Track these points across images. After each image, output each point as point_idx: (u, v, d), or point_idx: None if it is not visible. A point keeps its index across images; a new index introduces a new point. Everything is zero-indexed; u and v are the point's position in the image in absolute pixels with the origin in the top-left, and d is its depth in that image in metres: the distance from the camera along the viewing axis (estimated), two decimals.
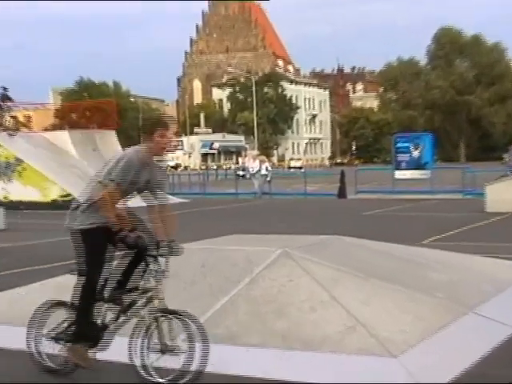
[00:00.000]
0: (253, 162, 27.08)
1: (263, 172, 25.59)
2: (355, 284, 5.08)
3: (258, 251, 5.48)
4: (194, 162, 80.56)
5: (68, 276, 4.67)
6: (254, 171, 26.19)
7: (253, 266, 5.19)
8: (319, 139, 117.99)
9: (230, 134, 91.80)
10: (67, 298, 4.46)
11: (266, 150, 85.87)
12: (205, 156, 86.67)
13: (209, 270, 5.29)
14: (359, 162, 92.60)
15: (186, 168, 70.80)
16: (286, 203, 21.96)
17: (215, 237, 6.72)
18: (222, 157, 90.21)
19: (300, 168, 69.96)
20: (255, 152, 54.21)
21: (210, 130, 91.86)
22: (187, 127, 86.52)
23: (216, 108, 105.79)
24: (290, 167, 71.35)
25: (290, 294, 4.89)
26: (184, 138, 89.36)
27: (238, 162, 62.77)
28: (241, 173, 36.02)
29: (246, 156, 42.02)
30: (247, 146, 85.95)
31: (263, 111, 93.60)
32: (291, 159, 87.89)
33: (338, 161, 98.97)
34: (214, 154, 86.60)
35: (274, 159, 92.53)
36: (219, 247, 5.80)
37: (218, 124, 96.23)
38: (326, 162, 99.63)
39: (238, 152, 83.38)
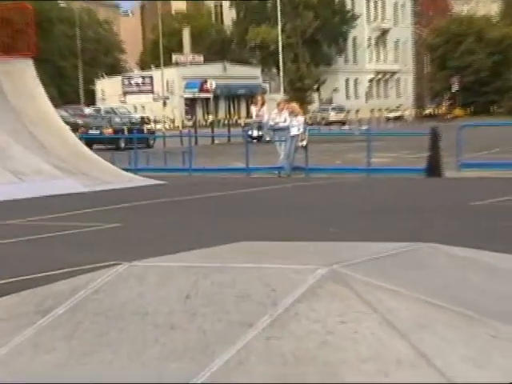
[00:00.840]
0: (277, 114, 27.07)
1: (294, 131, 25.59)
2: (460, 330, 5.06)
3: (284, 271, 5.47)
4: (173, 113, 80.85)
5: None
6: (279, 129, 26.22)
7: (276, 297, 5.18)
8: (394, 73, 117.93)
9: (235, 64, 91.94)
10: None
11: (299, 93, 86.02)
12: (191, 103, 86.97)
13: (199, 306, 5.30)
14: (465, 114, 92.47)
15: (156, 124, 71.05)
16: (334, 186, 22.05)
17: (210, 246, 6.73)
18: (223, 105, 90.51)
19: (342, 124, 70.17)
20: (281, 97, 54.30)
21: (200, 58, 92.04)
22: (161, 53, 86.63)
23: (211, 20, 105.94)
24: (327, 123, 71.84)
25: (342, 346, 4.89)
26: (154, 73, 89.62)
27: (249, 115, 62.81)
28: (255, 133, 36.08)
29: (263, 103, 42.04)
30: (266, 86, 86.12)
31: (295, 25, 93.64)
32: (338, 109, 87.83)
33: (428, 111, 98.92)
34: (207, 99, 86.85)
35: (315, 108, 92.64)
36: (217, 265, 5.80)
37: (215, 47, 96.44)
38: (406, 114, 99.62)
39: (250, 97, 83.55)
